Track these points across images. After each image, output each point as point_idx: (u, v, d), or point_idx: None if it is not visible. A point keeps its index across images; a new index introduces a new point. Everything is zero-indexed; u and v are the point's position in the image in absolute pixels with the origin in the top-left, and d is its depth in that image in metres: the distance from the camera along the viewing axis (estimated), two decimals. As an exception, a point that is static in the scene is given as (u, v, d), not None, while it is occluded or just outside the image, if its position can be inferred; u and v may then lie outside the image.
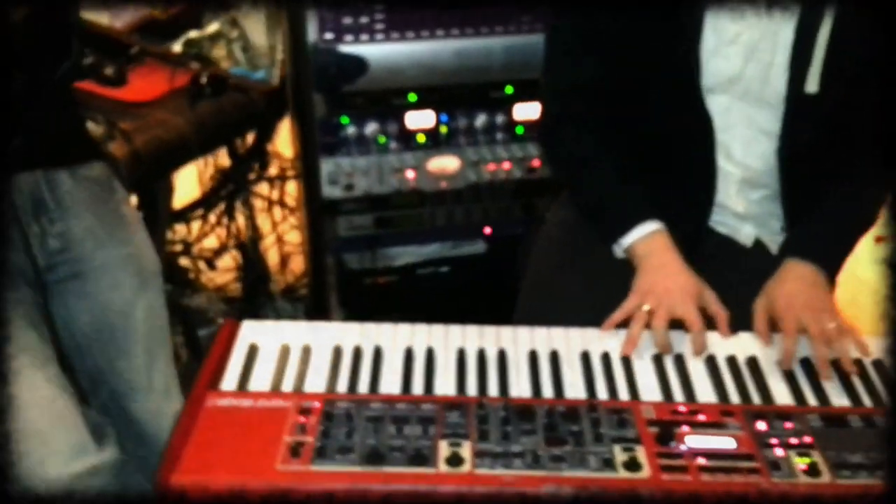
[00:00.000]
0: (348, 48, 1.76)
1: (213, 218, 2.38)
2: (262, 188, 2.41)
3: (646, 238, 1.36)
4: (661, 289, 1.29)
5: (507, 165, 1.93)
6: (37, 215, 1.36)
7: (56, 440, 1.29)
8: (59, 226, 1.38)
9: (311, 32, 1.72)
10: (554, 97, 1.50)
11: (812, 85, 1.32)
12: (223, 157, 2.29)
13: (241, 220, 2.38)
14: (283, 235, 2.53)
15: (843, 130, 1.38)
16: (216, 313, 2.28)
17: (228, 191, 2.31)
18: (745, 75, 1.35)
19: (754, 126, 1.39)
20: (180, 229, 2.41)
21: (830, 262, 1.36)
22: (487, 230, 2.02)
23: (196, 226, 2.41)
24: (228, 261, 2.51)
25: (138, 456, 1.44)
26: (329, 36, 1.73)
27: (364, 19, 1.72)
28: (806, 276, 1.32)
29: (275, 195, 2.43)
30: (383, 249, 1.99)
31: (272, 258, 2.55)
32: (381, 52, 1.79)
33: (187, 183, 2.38)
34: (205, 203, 2.32)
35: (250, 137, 2.20)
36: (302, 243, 2.47)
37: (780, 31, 1.31)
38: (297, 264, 2.55)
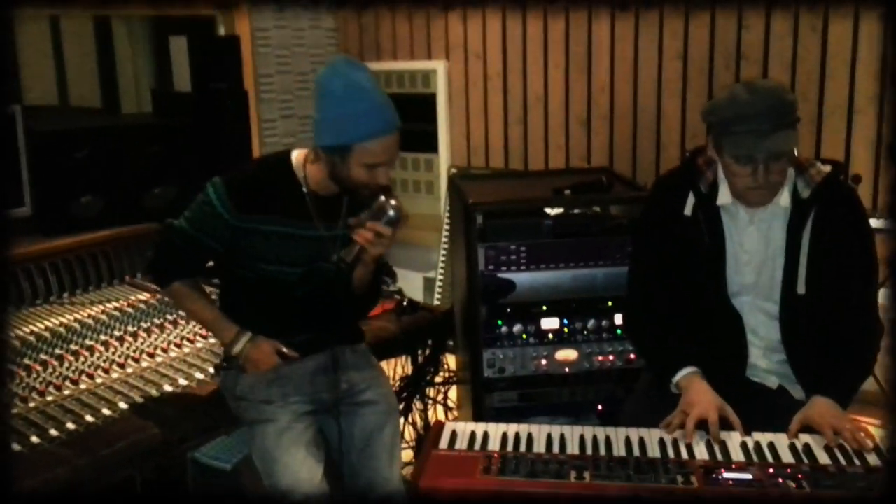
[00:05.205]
0: (503, 275, 2.63)
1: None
2: (432, 391, 3.23)
3: (686, 377, 2.07)
4: (695, 402, 1.99)
5: (611, 357, 2.68)
6: (335, 368, 2.21)
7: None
8: (346, 375, 2.24)
9: (480, 265, 2.60)
10: (632, 301, 2.30)
11: (801, 288, 2.06)
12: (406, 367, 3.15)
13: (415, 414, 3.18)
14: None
15: (829, 315, 2.07)
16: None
17: (409, 392, 3.14)
18: (758, 284, 2.10)
19: (768, 315, 2.12)
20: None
21: (842, 398, 2.00)
22: (600, 407, 2.71)
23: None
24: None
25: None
26: (491, 267, 2.62)
27: (513, 257, 2.61)
28: (828, 403, 1.97)
29: (439, 397, 3.25)
30: (525, 419, 2.68)
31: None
32: (523, 278, 2.63)
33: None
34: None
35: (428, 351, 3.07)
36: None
37: (777, 256, 2.08)
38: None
